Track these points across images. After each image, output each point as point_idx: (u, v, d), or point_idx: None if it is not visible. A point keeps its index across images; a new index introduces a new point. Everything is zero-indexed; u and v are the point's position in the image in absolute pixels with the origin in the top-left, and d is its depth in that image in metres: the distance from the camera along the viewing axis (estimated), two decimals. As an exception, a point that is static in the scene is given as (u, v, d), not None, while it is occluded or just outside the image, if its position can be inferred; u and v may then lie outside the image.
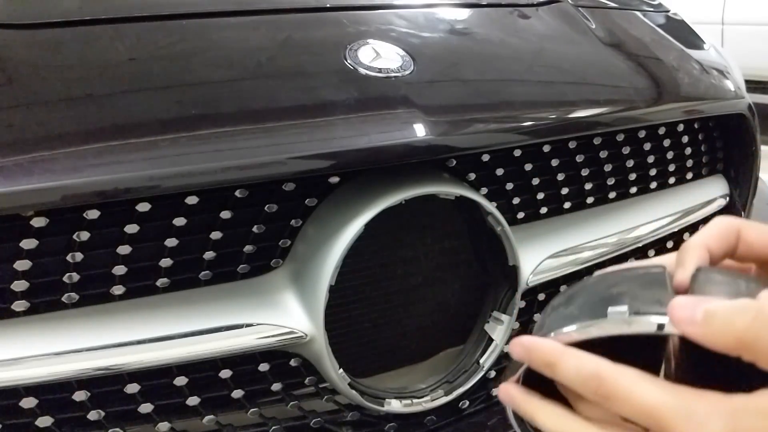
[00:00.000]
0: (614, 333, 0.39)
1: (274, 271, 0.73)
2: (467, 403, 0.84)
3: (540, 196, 0.90)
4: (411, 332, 0.86)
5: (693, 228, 1.11)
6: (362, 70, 0.75)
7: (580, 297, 0.42)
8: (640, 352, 0.40)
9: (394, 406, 0.78)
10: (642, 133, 0.99)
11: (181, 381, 0.69)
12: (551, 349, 0.40)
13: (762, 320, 0.35)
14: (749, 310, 0.35)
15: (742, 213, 1.14)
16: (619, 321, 0.38)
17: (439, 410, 0.82)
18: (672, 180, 1.07)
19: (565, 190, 0.92)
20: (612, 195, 0.98)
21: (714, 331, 0.36)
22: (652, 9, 1.22)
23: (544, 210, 0.91)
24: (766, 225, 0.44)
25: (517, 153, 0.86)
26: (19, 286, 0.62)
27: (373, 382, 0.81)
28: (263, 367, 0.73)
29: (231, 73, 0.74)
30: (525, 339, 0.41)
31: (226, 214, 0.69)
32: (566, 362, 0.39)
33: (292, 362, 0.74)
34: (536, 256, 0.87)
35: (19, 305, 0.62)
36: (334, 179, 0.74)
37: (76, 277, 0.64)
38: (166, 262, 0.67)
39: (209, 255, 0.69)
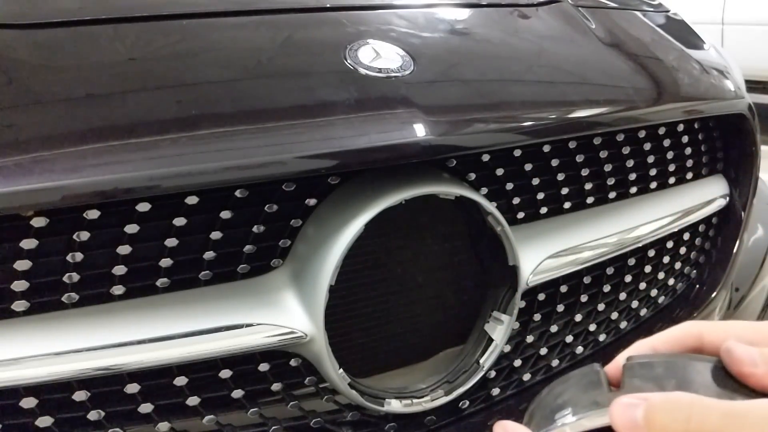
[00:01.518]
0: None
1: (274, 271, 0.73)
2: (467, 403, 0.84)
3: (540, 196, 0.90)
4: (411, 332, 0.86)
5: (693, 228, 1.11)
6: (362, 70, 0.75)
7: (537, 413, 0.44)
8: None
9: (394, 406, 0.78)
10: (642, 133, 0.99)
11: (181, 381, 0.69)
12: None
13: (699, 415, 0.36)
14: (684, 407, 0.36)
15: (743, 213, 1.14)
16: (565, 427, 0.41)
17: (439, 410, 0.81)
18: (672, 180, 1.07)
19: (565, 190, 0.92)
20: (612, 195, 0.98)
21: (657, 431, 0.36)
22: (652, 9, 1.22)
23: (544, 210, 0.91)
24: (726, 322, 0.45)
25: (517, 153, 0.86)
26: (19, 286, 0.62)
27: (373, 382, 0.81)
28: (263, 367, 0.73)
29: (231, 73, 0.74)
30: None
31: (226, 214, 0.69)
32: None
33: (292, 362, 0.74)
34: (536, 256, 0.87)
35: (19, 305, 0.62)
36: (334, 179, 0.74)
37: (76, 277, 0.64)
38: (166, 262, 0.67)
39: (209, 255, 0.69)
